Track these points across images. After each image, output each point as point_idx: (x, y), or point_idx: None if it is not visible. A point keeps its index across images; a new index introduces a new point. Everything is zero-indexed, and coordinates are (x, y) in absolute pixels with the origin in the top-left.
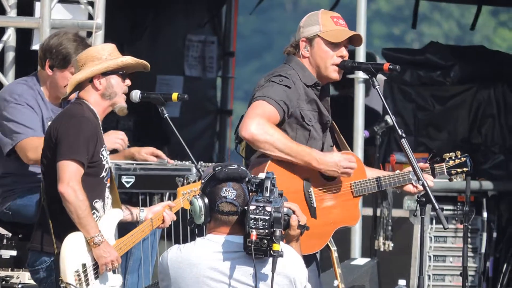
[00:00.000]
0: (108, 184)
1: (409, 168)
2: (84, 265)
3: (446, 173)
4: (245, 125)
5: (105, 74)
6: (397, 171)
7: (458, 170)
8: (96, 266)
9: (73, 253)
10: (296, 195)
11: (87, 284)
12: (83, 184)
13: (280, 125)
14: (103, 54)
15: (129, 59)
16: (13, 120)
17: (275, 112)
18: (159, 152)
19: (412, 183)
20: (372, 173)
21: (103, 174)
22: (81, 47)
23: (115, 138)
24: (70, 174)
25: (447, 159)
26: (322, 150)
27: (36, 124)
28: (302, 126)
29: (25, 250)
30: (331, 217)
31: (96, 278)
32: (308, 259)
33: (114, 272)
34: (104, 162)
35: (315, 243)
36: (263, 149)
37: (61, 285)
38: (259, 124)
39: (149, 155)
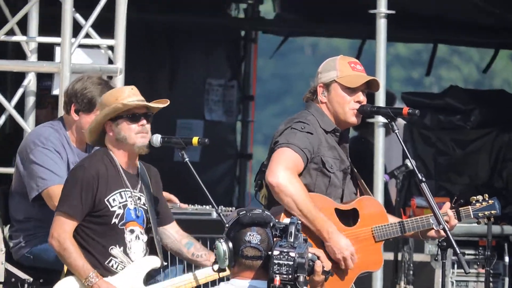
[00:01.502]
0: (130, 228)
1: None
2: None
3: (472, 216)
4: (273, 172)
5: (114, 119)
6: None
7: (486, 213)
8: None
9: None
10: (315, 241)
11: None
12: (93, 232)
13: (300, 173)
14: (111, 100)
15: (119, 105)
16: (40, 165)
17: (300, 161)
18: (171, 197)
19: (433, 228)
20: (393, 219)
21: (114, 220)
22: (105, 90)
23: None
24: (56, 226)
25: (474, 202)
26: (342, 197)
27: (62, 171)
28: (322, 172)
29: None
30: None
31: None
32: None
33: None
34: (114, 209)
35: None
36: (283, 202)
37: None
38: (287, 175)
39: None
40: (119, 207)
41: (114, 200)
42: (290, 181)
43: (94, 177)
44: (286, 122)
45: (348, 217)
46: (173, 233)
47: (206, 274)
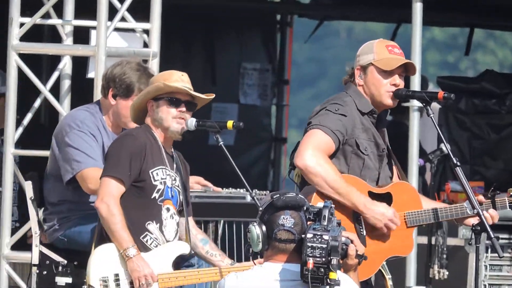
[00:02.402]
0: (167, 206)
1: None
2: (116, 275)
3: (508, 207)
4: (301, 154)
5: (156, 99)
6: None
7: None
8: (132, 281)
9: (103, 260)
10: (345, 222)
11: None
12: (132, 203)
13: (334, 153)
14: (157, 79)
15: (160, 84)
16: (75, 148)
17: (331, 142)
18: (205, 182)
19: (469, 216)
20: (428, 204)
21: (155, 195)
22: (144, 76)
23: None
24: (105, 190)
25: (511, 193)
26: (377, 180)
27: (97, 154)
28: (356, 154)
29: (80, 277)
30: (382, 246)
31: None
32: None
33: None
34: (155, 183)
35: (364, 271)
36: (314, 182)
37: (83, 287)
38: (315, 155)
39: (194, 184)
40: (161, 183)
41: (157, 174)
42: (318, 162)
43: (142, 147)
44: (323, 103)
45: (382, 201)
46: (190, 226)
47: (230, 268)
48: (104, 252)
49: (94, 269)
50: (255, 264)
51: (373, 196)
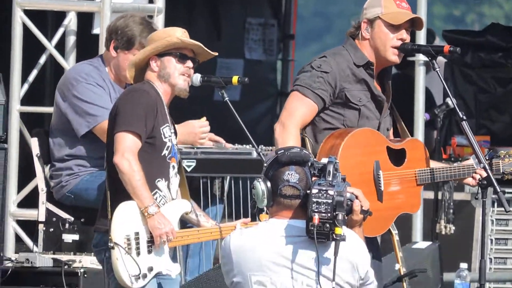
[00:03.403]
0: (173, 164)
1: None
2: (137, 233)
3: (501, 171)
4: (279, 119)
5: (160, 55)
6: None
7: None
8: (150, 240)
9: (126, 218)
10: (366, 176)
11: (138, 254)
12: (142, 160)
13: (326, 109)
14: (163, 36)
15: (174, 39)
16: (86, 101)
17: (311, 104)
18: (217, 138)
19: (472, 176)
20: (435, 164)
21: (165, 152)
22: (146, 31)
23: (199, 132)
24: (125, 145)
25: (502, 156)
26: (378, 130)
27: (109, 104)
28: (349, 106)
29: (87, 234)
30: (396, 202)
31: (149, 252)
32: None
33: (174, 261)
34: (165, 140)
35: (378, 226)
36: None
37: (110, 244)
38: (284, 132)
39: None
40: (169, 140)
41: (166, 131)
42: (283, 135)
43: (155, 103)
44: (313, 57)
45: (396, 157)
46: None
47: (230, 227)
48: (126, 210)
49: (118, 227)
50: (260, 221)
51: (390, 151)
